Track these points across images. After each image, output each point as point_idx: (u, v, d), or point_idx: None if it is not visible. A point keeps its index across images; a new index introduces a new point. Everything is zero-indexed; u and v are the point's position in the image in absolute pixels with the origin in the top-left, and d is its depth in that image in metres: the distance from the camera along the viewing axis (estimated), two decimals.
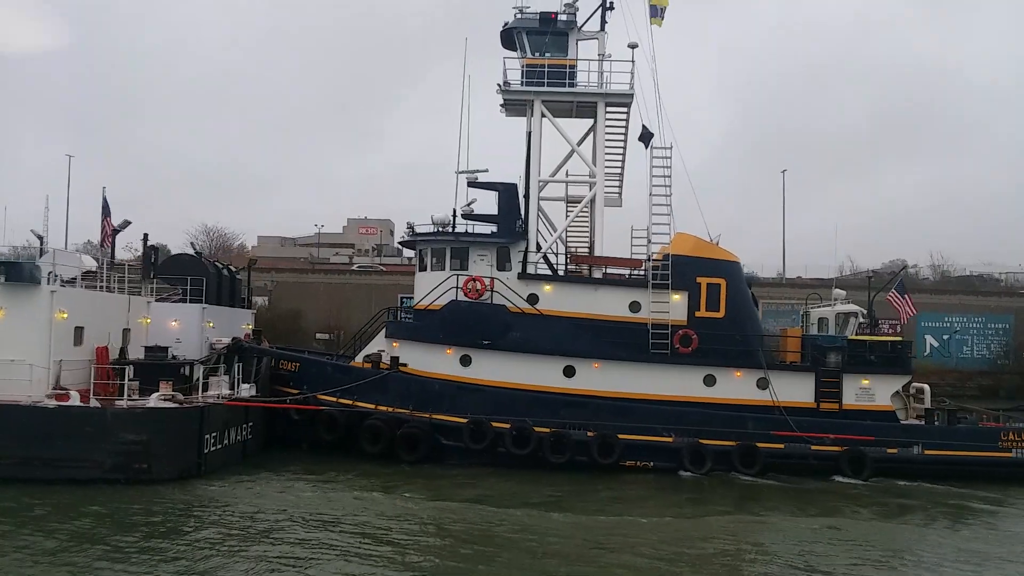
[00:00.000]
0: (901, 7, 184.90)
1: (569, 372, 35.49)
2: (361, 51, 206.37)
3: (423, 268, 37.56)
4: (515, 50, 38.61)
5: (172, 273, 38.80)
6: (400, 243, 46.80)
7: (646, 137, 37.17)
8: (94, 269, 34.41)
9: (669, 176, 36.81)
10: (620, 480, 32.17)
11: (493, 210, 37.33)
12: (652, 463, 33.57)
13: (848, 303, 38.64)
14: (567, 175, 41.26)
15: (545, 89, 37.68)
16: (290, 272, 74.82)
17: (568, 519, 25.90)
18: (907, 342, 37.42)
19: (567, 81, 37.84)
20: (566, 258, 39.46)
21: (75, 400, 28.15)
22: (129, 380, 29.24)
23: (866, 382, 35.36)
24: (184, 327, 36.15)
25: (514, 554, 21.89)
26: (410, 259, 45.36)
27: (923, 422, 35.95)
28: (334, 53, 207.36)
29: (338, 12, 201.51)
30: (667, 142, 37.01)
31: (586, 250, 39.93)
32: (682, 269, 35.60)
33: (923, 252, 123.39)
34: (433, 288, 36.21)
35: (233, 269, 44.58)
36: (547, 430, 33.17)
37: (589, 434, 33.30)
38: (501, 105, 39.20)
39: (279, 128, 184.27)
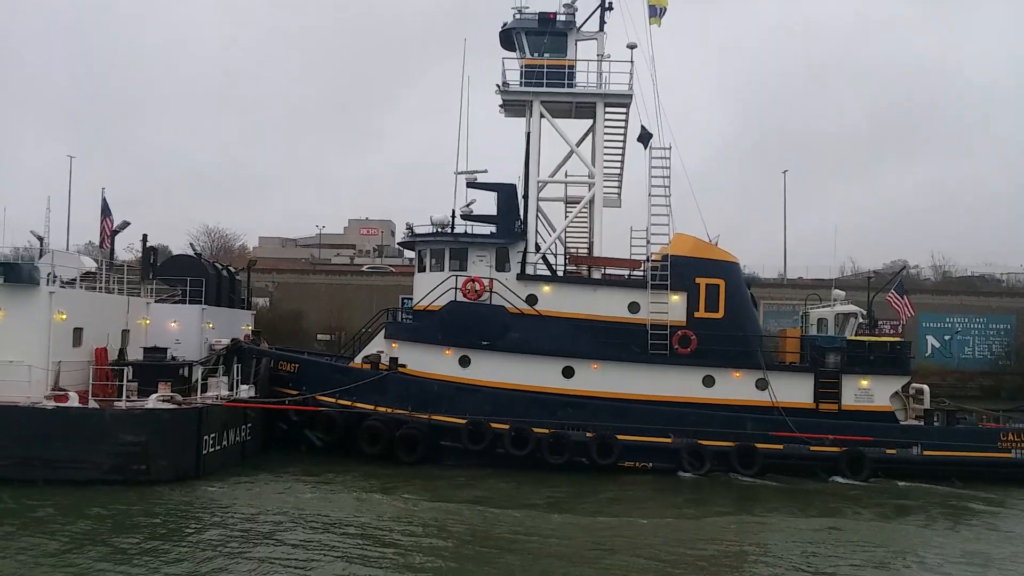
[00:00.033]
0: (901, 7, 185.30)
1: (568, 373, 35.45)
2: (361, 51, 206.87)
3: (422, 269, 37.58)
4: (514, 50, 38.62)
5: (171, 274, 38.87)
6: (399, 244, 46.88)
7: (645, 137, 37.21)
8: (93, 270, 34.41)
9: (668, 176, 36.93)
10: (619, 481, 32.15)
11: (492, 211, 37.35)
12: (651, 464, 33.56)
13: (847, 304, 38.58)
14: (566, 176, 41.28)
15: (544, 90, 37.68)
16: (291, 273, 74.83)
17: (568, 520, 25.88)
18: (906, 343, 37.38)
19: (566, 82, 37.84)
20: (565, 259, 39.50)
21: (74, 401, 28.19)
22: (128, 381, 29.26)
23: (865, 383, 35.32)
24: (183, 328, 36.18)
25: (515, 555, 21.87)
26: (411, 260, 45.31)
27: (922, 423, 35.96)
28: (334, 53, 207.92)
29: (338, 12, 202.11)
30: (666, 142, 37.19)
31: (585, 251, 39.89)
32: (681, 270, 35.59)
33: (924, 252, 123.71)
34: (432, 289, 36.21)
35: (233, 270, 44.59)
36: (546, 431, 33.14)
37: (588, 435, 33.27)
38: (500, 106, 39.19)
39: (279, 128, 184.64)
